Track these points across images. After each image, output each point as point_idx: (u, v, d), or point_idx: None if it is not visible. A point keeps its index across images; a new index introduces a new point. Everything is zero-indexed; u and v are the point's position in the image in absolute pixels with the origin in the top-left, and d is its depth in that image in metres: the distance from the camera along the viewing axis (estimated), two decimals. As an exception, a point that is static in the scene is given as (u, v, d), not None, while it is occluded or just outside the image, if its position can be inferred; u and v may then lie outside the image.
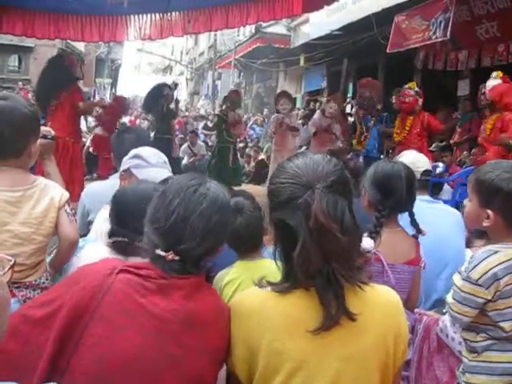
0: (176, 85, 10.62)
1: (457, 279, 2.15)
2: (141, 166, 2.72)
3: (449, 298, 2.20)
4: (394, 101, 7.67)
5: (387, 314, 1.45)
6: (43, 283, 2.14)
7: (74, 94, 7.29)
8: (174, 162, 9.19)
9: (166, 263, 1.48)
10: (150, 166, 2.73)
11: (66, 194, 2.20)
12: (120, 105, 9.68)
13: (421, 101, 7.34)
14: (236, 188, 9.80)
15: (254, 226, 2.31)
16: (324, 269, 1.36)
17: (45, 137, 2.44)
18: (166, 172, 2.73)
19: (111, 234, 2.09)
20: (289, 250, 1.38)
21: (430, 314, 2.68)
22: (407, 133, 7.32)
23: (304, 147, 11.16)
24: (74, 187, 7.05)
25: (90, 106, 8.56)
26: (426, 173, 3.27)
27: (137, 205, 2.05)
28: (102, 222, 2.31)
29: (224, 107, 10.26)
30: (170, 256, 1.47)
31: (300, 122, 10.85)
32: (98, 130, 10.36)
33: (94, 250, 2.17)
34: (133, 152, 2.79)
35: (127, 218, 2.05)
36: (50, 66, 7.63)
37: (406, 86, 7.48)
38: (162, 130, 9.76)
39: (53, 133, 2.55)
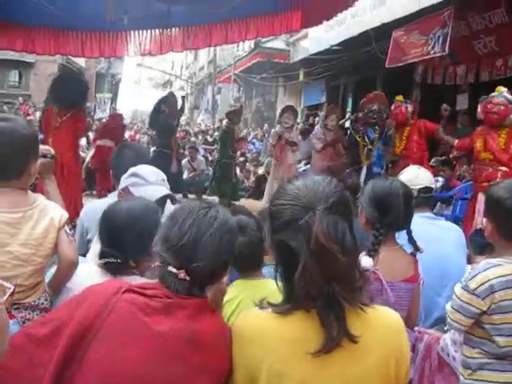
0: (172, 94, 10.66)
1: (457, 288, 2.20)
2: (138, 184, 2.71)
3: (448, 306, 2.25)
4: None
5: (389, 336, 1.44)
6: (42, 304, 2.13)
7: (79, 120, 7.43)
8: (174, 178, 9.22)
9: (176, 281, 1.50)
10: (147, 184, 2.72)
11: (66, 215, 2.20)
12: (117, 123, 9.81)
13: (410, 108, 7.52)
14: (236, 203, 9.86)
15: (255, 245, 2.31)
16: (325, 290, 1.36)
17: (44, 156, 2.44)
18: (164, 190, 2.73)
19: (102, 255, 2.08)
20: (290, 272, 1.38)
21: (431, 332, 2.67)
22: (406, 143, 7.41)
23: (304, 161, 11.19)
24: (73, 204, 7.08)
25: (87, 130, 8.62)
26: (425, 190, 3.25)
27: (126, 225, 2.07)
28: (96, 242, 2.31)
29: (228, 122, 10.29)
30: (182, 274, 1.49)
31: (299, 137, 10.87)
32: (102, 142, 10.31)
33: (85, 270, 2.17)
34: (130, 170, 2.79)
35: (117, 239, 2.07)
36: (67, 81, 7.75)
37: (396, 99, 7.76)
38: (162, 144, 9.78)
39: (52, 152, 2.54)
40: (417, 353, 2.56)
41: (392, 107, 7.78)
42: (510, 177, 5.40)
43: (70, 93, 7.28)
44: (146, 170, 2.80)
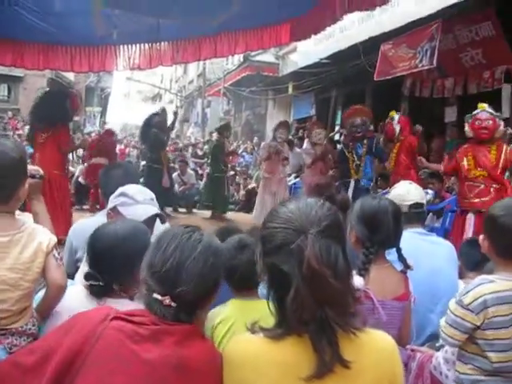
0: (164, 110, 10.72)
1: (451, 303, 2.20)
2: (127, 204, 2.71)
3: (441, 321, 2.25)
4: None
5: (382, 360, 1.43)
6: (30, 329, 2.08)
7: (61, 135, 7.38)
8: (165, 192, 9.21)
9: (162, 308, 1.49)
10: (136, 203, 2.71)
11: (54, 239, 2.16)
12: (111, 141, 9.85)
13: (398, 128, 7.56)
14: (225, 216, 9.88)
15: (254, 264, 2.28)
16: (318, 315, 1.34)
17: (33, 176, 2.42)
18: (152, 209, 2.72)
19: (87, 277, 2.06)
20: (282, 295, 1.37)
21: (423, 350, 2.66)
22: (395, 159, 7.47)
23: (294, 175, 11.20)
24: (61, 220, 7.05)
25: (73, 148, 8.54)
26: (415, 205, 3.24)
27: (111, 247, 2.05)
28: (84, 263, 2.29)
29: (219, 136, 10.34)
30: (167, 301, 1.48)
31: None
32: (96, 160, 10.26)
33: (73, 293, 2.14)
34: (119, 190, 2.78)
35: (101, 261, 2.05)
36: (50, 98, 7.77)
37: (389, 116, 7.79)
38: (152, 159, 9.86)
39: (41, 172, 2.51)
40: (410, 371, 2.55)
41: (385, 124, 7.87)
42: (501, 192, 5.45)
43: (50, 111, 7.30)
44: (134, 190, 2.79)
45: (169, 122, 10.48)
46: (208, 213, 10.30)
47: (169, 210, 9.91)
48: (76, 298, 2.09)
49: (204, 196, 10.59)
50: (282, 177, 9.42)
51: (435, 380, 2.48)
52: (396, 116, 7.74)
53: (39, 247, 2.08)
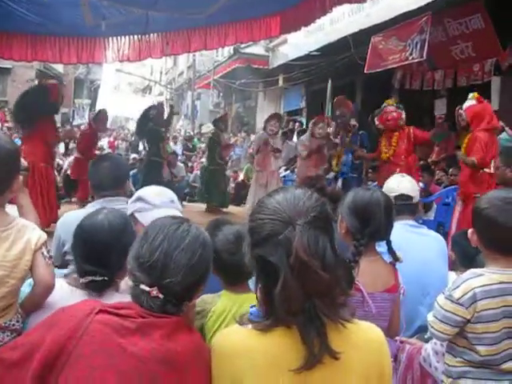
0: (161, 103, 10.78)
1: (440, 298, 2.18)
2: (144, 210, 2.55)
3: (429, 317, 2.23)
4: (377, 122, 7.43)
5: (371, 352, 1.42)
6: (13, 325, 2.05)
7: (46, 128, 7.45)
8: (167, 186, 9.20)
9: (149, 299, 1.47)
10: (154, 207, 2.55)
11: (44, 237, 2.12)
12: (92, 128, 9.68)
13: (404, 114, 7.22)
14: (224, 210, 9.82)
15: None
16: (306, 306, 1.33)
17: None
18: (174, 212, 2.45)
19: (87, 274, 2.01)
20: (270, 287, 1.35)
21: (412, 341, 2.67)
22: (394, 149, 7.13)
23: (284, 167, 11.19)
24: (47, 210, 7.07)
25: (59, 139, 8.47)
26: (401, 197, 3.21)
27: (112, 240, 2.01)
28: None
29: (215, 129, 10.31)
30: (155, 292, 1.47)
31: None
32: (77, 153, 10.22)
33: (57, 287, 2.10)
34: (136, 194, 2.63)
35: (100, 256, 2.00)
36: (31, 93, 7.85)
37: (384, 104, 7.38)
38: (151, 152, 9.95)
39: (25, 164, 2.48)
40: (399, 363, 2.56)
41: (382, 111, 7.34)
42: None
43: (30, 106, 7.38)
44: (151, 192, 2.64)
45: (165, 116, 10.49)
46: (198, 206, 10.27)
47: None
48: (61, 292, 2.06)
49: (200, 191, 10.54)
50: (273, 169, 9.39)
51: (425, 372, 2.48)
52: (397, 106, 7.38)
53: (28, 245, 2.04)
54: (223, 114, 11.70)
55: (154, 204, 2.57)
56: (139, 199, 2.61)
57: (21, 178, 2.24)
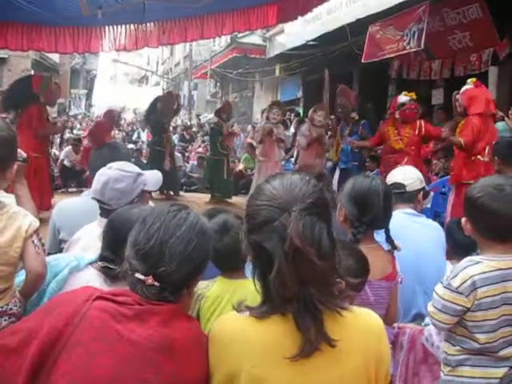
0: (170, 93, 10.84)
1: (438, 288, 2.18)
2: (145, 179, 2.65)
3: (429, 307, 2.21)
4: (397, 115, 7.11)
5: (368, 339, 1.42)
6: (11, 309, 2.03)
7: (31, 117, 7.53)
8: (168, 175, 9.26)
9: (145, 288, 1.46)
10: (144, 173, 2.66)
11: (35, 224, 2.09)
12: (109, 119, 9.90)
13: (420, 111, 7.11)
14: (229, 201, 9.79)
15: (239, 248, 2.26)
16: (301, 293, 1.32)
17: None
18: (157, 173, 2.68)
19: (102, 259, 2.02)
20: (266, 273, 1.35)
21: (411, 326, 2.67)
22: (407, 141, 6.92)
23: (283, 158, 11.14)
24: (42, 199, 7.11)
25: (48, 132, 8.41)
26: (394, 186, 3.17)
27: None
28: (95, 239, 2.22)
29: (218, 119, 10.28)
30: (150, 280, 1.45)
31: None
32: (87, 142, 10.32)
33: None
34: (132, 174, 2.62)
35: (120, 245, 1.98)
36: (15, 84, 8.10)
37: (406, 98, 7.03)
38: (155, 142, 10.06)
39: (24, 155, 2.47)
40: (401, 346, 2.55)
41: (405, 106, 6.97)
42: None
43: (14, 96, 7.69)
44: (132, 165, 2.72)
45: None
46: (202, 196, 10.25)
47: (155, 193, 9.88)
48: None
49: (204, 182, 10.55)
50: (277, 160, 9.32)
51: (427, 352, 2.47)
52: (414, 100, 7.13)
53: (18, 232, 2.02)
54: (225, 102, 11.54)
55: (142, 171, 2.67)
56: (138, 174, 2.63)
57: (19, 168, 2.22)
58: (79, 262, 2.14)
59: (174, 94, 11.27)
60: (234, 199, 10.10)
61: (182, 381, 1.41)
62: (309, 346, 1.31)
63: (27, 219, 2.08)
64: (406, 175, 3.31)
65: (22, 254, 2.03)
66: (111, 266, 2.00)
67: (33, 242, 2.06)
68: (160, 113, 9.87)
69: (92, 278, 2.03)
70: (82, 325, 1.41)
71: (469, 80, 5.99)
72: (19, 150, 2.41)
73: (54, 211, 3.03)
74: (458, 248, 3.07)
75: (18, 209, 2.13)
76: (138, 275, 1.46)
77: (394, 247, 2.51)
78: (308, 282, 1.32)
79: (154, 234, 1.48)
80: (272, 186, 1.40)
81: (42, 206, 6.89)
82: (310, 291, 1.32)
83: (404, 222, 3.12)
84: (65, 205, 3.02)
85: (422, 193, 3.33)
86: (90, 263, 2.11)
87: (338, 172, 8.47)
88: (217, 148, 10.06)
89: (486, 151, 5.64)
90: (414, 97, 7.04)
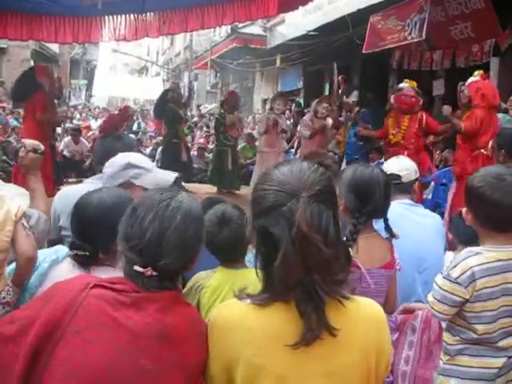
0: (178, 84, 10.84)
1: (438, 278, 2.18)
2: (140, 175, 2.58)
3: (429, 297, 2.22)
4: (392, 100, 7.11)
5: (369, 329, 1.41)
6: (4, 298, 2.03)
7: (35, 106, 7.79)
8: (184, 167, 9.27)
9: (145, 279, 1.46)
10: (150, 171, 2.61)
11: (23, 208, 2.09)
12: (123, 114, 10.37)
13: (421, 102, 6.91)
14: (236, 192, 9.73)
15: (239, 239, 2.26)
16: (304, 281, 1.32)
17: (35, 151, 2.36)
18: (170, 173, 2.65)
19: (73, 247, 2.02)
20: (270, 260, 1.34)
21: (415, 305, 2.64)
22: (403, 134, 6.77)
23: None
24: (45, 186, 7.14)
25: (48, 118, 8.42)
26: (389, 177, 3.17)
27: (97, 217, 1.99)
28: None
29: (222, 110, 10.24)
30: (149, 272, 1.45)
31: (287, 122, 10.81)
32: (99, 134, 10.58)
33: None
34: (123, 162, 2.60)
35: (88, 231, 2.00)
36: (20, 77, 8.40)
37: (406, 84, 6.93)
38: (170, 134, 9.96)
39: (42, 148, 2.46)
40: (412, 330, 2.53)
41: (401, 92, 6.90)
42: None
43: (20, 86, 8.12)
44: (139, 158, 2.68)
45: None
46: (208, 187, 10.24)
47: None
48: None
49: (210, 173, 10.53)
50: (280, 151, 9.31)
51: (441, 331, 2.43)
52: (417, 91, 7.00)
53: (8, 215, 2.02)
54: (229, 92, 11.39)
55: (147, 168, 2.62)
56: (131, 166, 2.59)
57: (36, 159, 2.21)
58: (58, 254, 2.14)
59: (179, 84, 11.29)
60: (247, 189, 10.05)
61: (180, 368, 1.42)
62: (310, 334, 1.31)
63: (15, 202, 2.08)
64: (402, 166, 3.32)
65: (13, 237, 2.03)
66: (79, 253, 1.98)
67: (22, 224, 2.06)
68: (173, 104, 9.84)
69: (71, 269, 2.02)
70: (79, 313, 1.41)
71: (476, 72, 5.98)
72: (37, 142, 2.41)
73: (55, 197, 3.04)
74: (464, 240, 3.06)
75: (4, 193, 2.12)
76: (137, 268, 1.46)
77: (393, 235, 2.51)
78: (312, 270, 1.32)
79: (149, 227, 1.46)
80: (281, 171, 1.40)
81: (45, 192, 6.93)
82: (313, 278, 1.32)
83: (403, 212, 3.12)
84: (66, 192, 3.03)
85: (417, 183, 3.33)
86: (69, 255, 2.09)
87: (344, 164, 8.45)
88: (220, 139, 10.01)
89: (490, 145, 5.61)
90: (415, 85, 6.93)
